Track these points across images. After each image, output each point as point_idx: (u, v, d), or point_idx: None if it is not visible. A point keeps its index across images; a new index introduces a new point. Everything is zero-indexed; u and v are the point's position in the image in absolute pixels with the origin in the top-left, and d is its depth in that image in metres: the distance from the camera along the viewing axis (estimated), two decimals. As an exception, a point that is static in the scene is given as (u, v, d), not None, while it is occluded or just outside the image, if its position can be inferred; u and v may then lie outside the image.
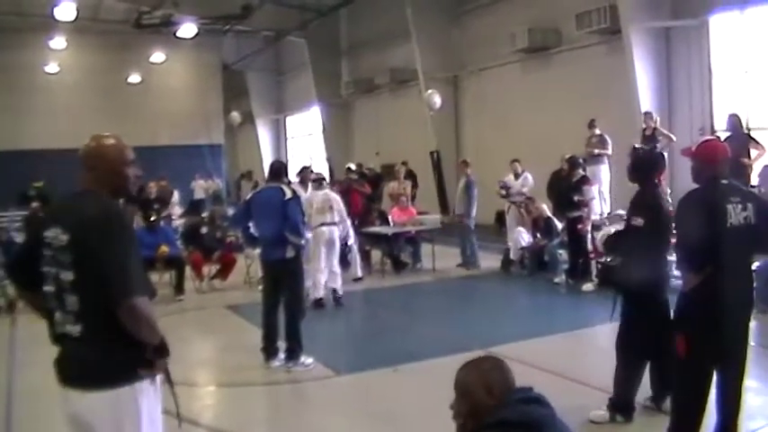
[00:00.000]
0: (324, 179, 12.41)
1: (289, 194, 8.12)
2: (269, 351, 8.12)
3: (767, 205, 4.78)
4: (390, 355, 8.27)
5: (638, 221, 5.77)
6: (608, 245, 7.86)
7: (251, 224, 8.54)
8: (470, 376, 2.75)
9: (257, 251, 9.99)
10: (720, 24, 14.82)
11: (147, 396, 3.38)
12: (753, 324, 4.81)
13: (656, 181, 6.19)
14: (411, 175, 18.18)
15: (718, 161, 4.74)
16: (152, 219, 13.33)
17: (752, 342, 4.77)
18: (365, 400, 7.18)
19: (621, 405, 5.96)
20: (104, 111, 26.34)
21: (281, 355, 8.09)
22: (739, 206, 4.53)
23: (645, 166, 6.22)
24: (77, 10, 21.38)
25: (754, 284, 5.17)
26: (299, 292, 8.49)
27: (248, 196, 9.17)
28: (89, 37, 26.65)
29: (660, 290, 5.93)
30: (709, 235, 4.40)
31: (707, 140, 5.22)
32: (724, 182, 4.68)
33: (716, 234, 4.43)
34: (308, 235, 10.72)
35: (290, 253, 8.02)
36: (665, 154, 11.27)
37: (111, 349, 3.30)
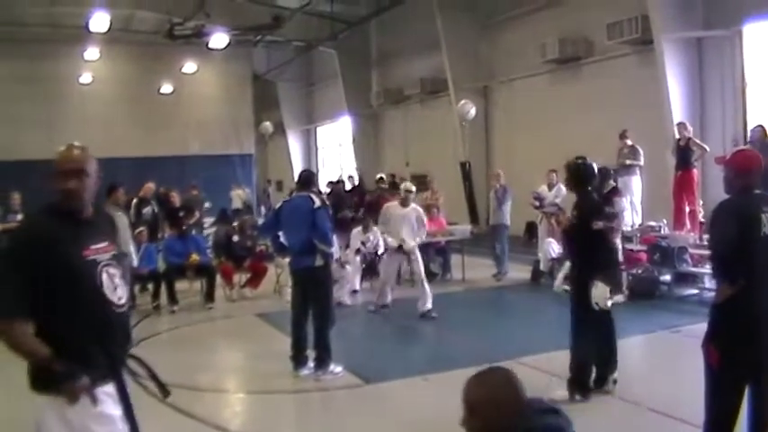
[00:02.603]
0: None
1: (318, 203, 8.15)
2: (298, 359, 8.14)
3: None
4: (420, 365, 8.27)
5: (600, 224, 6.59)
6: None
7: (281, 233, 8.58)
8: (479, 393, 2.65)
9: (287, 260, 10.04)
10: (754, 34, 14.68)
11: (69, 413, 3.22)
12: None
13: (590, 189, 7.05)
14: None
15: (752, 171, 4.66)
16: (184, 227, 13.40)
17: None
18: (394, 409, 7.17)
19: (578, 385, 6.69)
20: (136, 120, 26.59)
21: (311, 364, 8.11)
22: (773, 216, 4.47)
23: (580, 176, 6.96)
24: (110, 21, 21.63)
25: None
26: (328, 301, 8.49)
27: (278, 205, 9.21)
28: (122, 48, 26.87)
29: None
30: (742, 245, 4.35)
31: (740, 150, 5.18)
32: (757, 191, 4.62)
33: (749, 244, 4.38)
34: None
35: (318, 261, 8.05)
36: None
37: None
